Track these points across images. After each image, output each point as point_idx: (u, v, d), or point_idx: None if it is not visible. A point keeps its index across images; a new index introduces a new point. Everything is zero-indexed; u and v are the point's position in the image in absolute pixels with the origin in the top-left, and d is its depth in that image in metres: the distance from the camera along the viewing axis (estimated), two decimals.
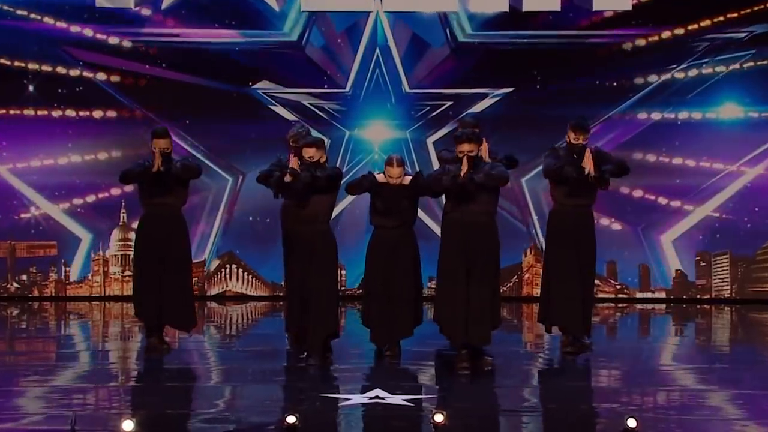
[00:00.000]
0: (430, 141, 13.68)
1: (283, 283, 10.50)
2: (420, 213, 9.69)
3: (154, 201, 9.49)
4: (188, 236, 9.74)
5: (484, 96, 13.57)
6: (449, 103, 13.59)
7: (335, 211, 9.98)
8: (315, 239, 8.95)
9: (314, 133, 12.94)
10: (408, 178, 9.16)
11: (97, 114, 13.57)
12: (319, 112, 13.63)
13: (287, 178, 8.87)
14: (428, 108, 13.63)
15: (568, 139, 9.36)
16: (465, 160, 8.64)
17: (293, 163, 8.92)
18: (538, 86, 13.41)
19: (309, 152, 8.91)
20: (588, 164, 9.24)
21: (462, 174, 8.61)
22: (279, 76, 13.59)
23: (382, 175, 9.17)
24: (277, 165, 9.84)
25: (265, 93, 13.60)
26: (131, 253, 13.50)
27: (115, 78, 13.53)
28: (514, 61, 13.43)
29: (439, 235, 9.13)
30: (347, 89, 13.64)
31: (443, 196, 9.02)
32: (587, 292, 9.51)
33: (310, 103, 13.62)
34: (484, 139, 9.58)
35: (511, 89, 13.50)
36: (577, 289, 9.40)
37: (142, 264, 9.56)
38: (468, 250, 8.75)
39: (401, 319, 9.20)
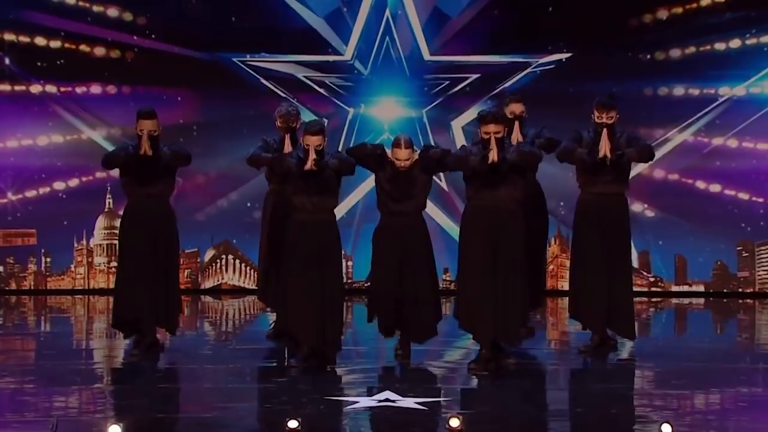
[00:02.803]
0: (456, 123, 13.54)
1: (259, 267, 10.47)
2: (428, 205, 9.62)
3: (140, 190, 9.48)
4: (177, 228, 9.74)
5: (525, 66, 13.42)
6: (475, 76, 13.45)
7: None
8: (324, 231, 8.92)
9: (307, 113, 13.00)
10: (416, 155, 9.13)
11: (80, 90, 13.58)
12: (316, 87, 13.54)
13: (310, 166, 8.75)
14: (449, 82, 13.48)
15: (593, 119, 9.32)
16: (494, 141, 8.62)
17: (311, 152, 8.75)
18: (588, 56, 13.25)
19: (316, 140, 8.78)
20: (604, 147, 9.16)
21: (492, 154, 8.58)
22: (262, 43, 13.49)
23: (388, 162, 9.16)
24: (265, 147, 9.83)
25: (242, 62, 13.50)
26: (117, 242, 13.55)
27: (100, 50, 13.52)
28: (560, 26, 13.25)
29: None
30: (350, 58, 13.54)
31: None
32: (619, 287, 9.48)
33: (305, 76, 13.53)
34: (517, 122, 9.54)
35: (558, 58, 13.37)
36: (601, 283, 9.40)
37: (129, 258, 9.54)
38: (494, 240, 8.73)
39: (419, 317, 9.14)
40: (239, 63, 13.48)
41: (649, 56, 13.42)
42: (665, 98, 13.47)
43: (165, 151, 9.41)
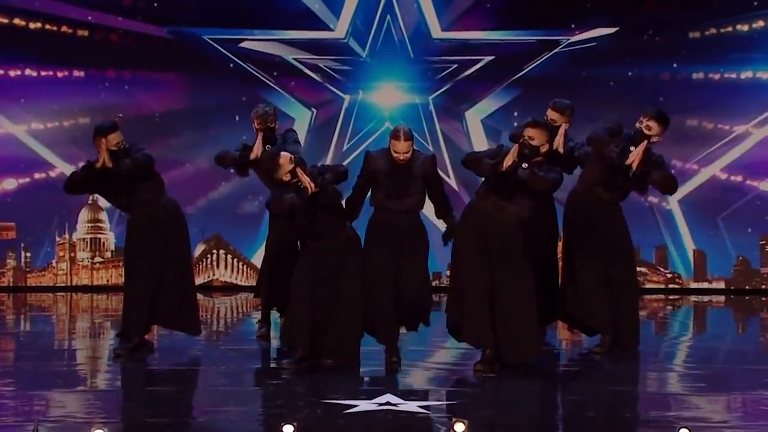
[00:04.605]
0: (470, 115, 13.46)
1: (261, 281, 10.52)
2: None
3: (137, 203, 9.51)
4: (185, 223, 9.80)
5: (552, 45, 13.37)
6: (489, 57, 13.37)
7: None
8: (344, 249, 8.96)
9: (296, 105, 13.00)
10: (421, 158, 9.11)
11: (61, 74, 13.60)
12: (308, 71, 13.51)
13: (312, 188, 8.67)
14: (458, 65, 13.42)
15: (638, 124, 9.28)
16: (515, 148, 8.59)
17: (303, 176, 8.72)
18: (630, 35, 13.13)
19: (287, 161, 8.79)
20: (635, 156, 9.15)
21: (506, 162, 8.60)
22: (252, 21, 13.49)
23: (375, 154, 9.12)
24: (243, 150, 9.90)
25: (229, 44, 13.49)
26: (101, 236, 13.60)
27: (82, 32, 13.54)
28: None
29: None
30: (343, 36, 13.49)
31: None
32: (622, 299, 9.54)
33: (296, 58, 13.50)
34: (562, 128, 9.50)
35: (594, 35, 13.25)
36: (600, 280, 9.45)
37: (139, 272, 9.59)
38: (487, 248, 8.73)
39: (400, 316, 9.15)
40: (229, 47, 13.47)
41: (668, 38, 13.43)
42: (683, 83, 13.49)
43: (126, 163, 9.35)
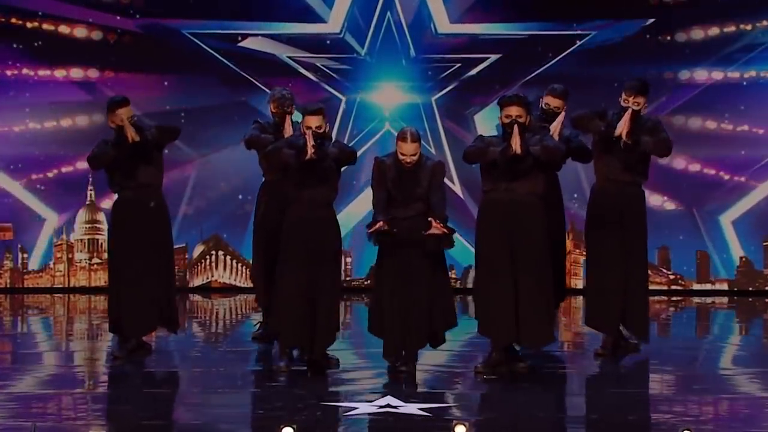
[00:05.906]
0: (480, 117, 13.37)
1: (251, 273, 10.46)
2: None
3: (132, 183, 9.46)
4: (170, 221, 9.79)
5: (570, 41, 13.33)
6: (496, 56, 13.30)
7: None
8: (322, 228, 8.89)
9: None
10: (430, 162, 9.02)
11: (60, 74, 13.58)
12: (303, 70, 13.47)
13: (310, 156, 8.67)
14: (461, 64, 13.35)
15: (624, 102, 9.29)
16: (516, 129, 8.59)
17: (310, 138, 8.68)
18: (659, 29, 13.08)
19: (315, 121, 8.78)
20: (622, 127, 9.16)
21: (515, 144, 8.56)
22: (245, 13, 13.45)
23: (385, 159, 9.04)
24: (261, 129, 9.83)
25: (222, 41, 13.46)
26: (100, 237, 13.57)
27: (81, 32, 13.53)
28: None
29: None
30: (339, 31, 13.44)
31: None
32: (634, 285, 9.51)
33: (290, 56, 13.45)
34: (562, 114, 9.48)
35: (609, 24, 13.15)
36: (618, 280, 9.42)
37: (122, 259, 9.53)
38: (511, 236, 8.72)
39: (415, 328, 9.01)
40: (225, 47, 13.44)
41: (669, 37, 13.41)
42: (687, 82, 13.47)
43: (152, 132, 9.41)
